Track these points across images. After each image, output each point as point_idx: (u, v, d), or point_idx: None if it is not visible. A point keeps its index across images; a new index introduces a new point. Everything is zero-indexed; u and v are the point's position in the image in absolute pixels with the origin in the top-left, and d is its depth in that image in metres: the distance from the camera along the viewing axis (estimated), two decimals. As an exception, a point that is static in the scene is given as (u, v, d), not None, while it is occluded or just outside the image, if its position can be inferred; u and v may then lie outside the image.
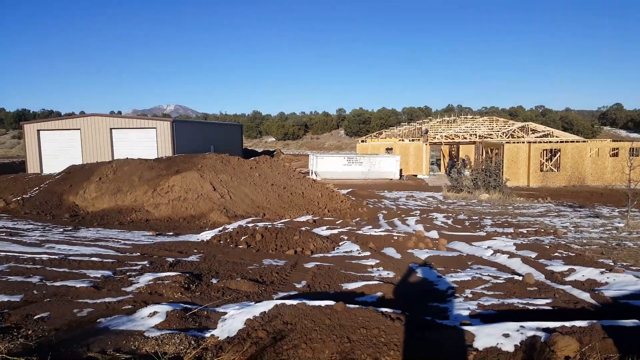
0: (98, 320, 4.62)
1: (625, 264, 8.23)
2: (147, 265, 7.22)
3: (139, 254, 8.26)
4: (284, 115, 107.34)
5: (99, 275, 6.45)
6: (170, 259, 7.71)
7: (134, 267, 7.10)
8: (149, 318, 4.62)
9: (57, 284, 5.90)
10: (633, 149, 29.23)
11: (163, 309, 4.77)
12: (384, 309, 4.31)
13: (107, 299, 5.29)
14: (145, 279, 6.26)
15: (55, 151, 36.21)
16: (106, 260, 7.54)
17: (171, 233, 11.51)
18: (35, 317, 4.65)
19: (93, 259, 7.63)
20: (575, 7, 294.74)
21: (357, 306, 4.33)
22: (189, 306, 5.01)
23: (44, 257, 7.54)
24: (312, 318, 4.16)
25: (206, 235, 10.25)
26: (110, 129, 35.99)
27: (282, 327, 4.11)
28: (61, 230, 11.59)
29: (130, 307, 5.08)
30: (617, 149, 31.35)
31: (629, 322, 4.01)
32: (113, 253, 8.28)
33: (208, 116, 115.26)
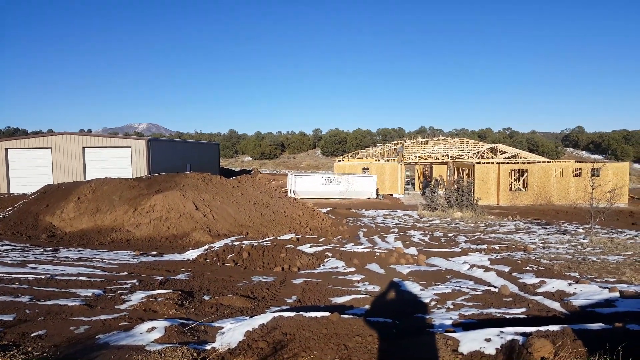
0: (97, 337, 4.76)
1: (590, 276, 8.81)
2: (137, 284, 7.34)
3: (126, 273, 8.35)
4: (260, 134, 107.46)
5: (89, 294, 6.54)
6: (159, 278, 7.84)
7: (124, 286, 7.21)
8: (148, 333, 4.79)
9: (49, 302, 5.98)
10: (594, 169, 30.66)
11: (161, 324, 4.94)
12: (376, 319, 4.63)
13: (102, 317, 5.42)
14: (138, 296, 6.40)
15: (24, 170, 35.31)
16: (94, 280, 7.62)
17: (155, 252, 11.55)
18: (32, 335, 4.76)
19: (81, 278, 7.70)
20: (541, 34, 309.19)
21: (351, 316, 4.64)
22: (185, 321, 5.20)
23: (30, 277, 7.57)
24: (309, 328, 4.44)
25: (192, 254, 10.38)
26: (83, 147, 35.40)
27: (282, 337, 4.37)
28: (41, 250, 11.48)
29: (126, 323, 5.22)
30: (580, 169, 32.84)
31: (596, 326, 4.47)
32: (100, 272, 8.34)
33: (182, 135, 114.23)
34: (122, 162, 35.04)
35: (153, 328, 4.85)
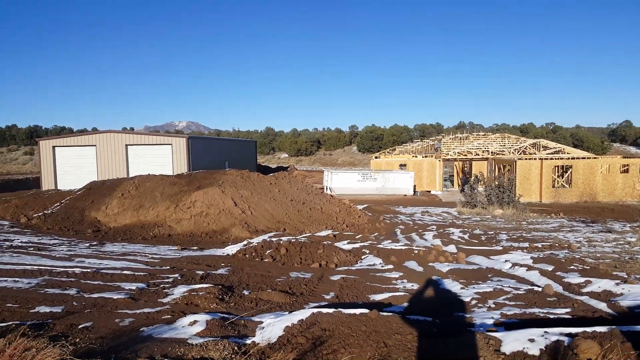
0: (140, 329, 4.91)
1: (638, 276, 8.40)
2: (179, 278, 7.54)
3: (168, 267, 8.59)
4: (296, 131, 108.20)
5: (133, 288, 6.77)
6: (200, 272, 8.03)
7: (166, 280, 7.43)
8: (190, 327, 4.91)
9: (95, 295, 6.22)
10: (644, 165, 29.23)
11: (202, 318, 5.05)
12: (415, 317, 4.59)
13: (145, 310, 5.58)
14: (180, 290, 6.57)
15: (70, 167, 36.94)
16: (138, 274, 7.88)
17: (195, 247, 11.85)
18: (80, 327, 4.93)
19: (125, 272, 7.99)
20: (586, 26, 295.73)
21: (390, 314, 4.62)
22: (226, 315, 5.29)
23: (77, 270, 7.89)
24: (348, 325, 4.45)
25: (231, 249, 10.59)
26: (126, 145, 36.72)
27: (321, 333, 4.40)
28: (87, 245, 11.96)
29: (169, 316, 5.37)
30: (628, 165, 31.31)
31: (646, 328, 4.26)
32: (143, 267, 8.62)
33: (221, 132, 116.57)
34: (163, 159, 36.07)
35: (195, 321, 4.95)
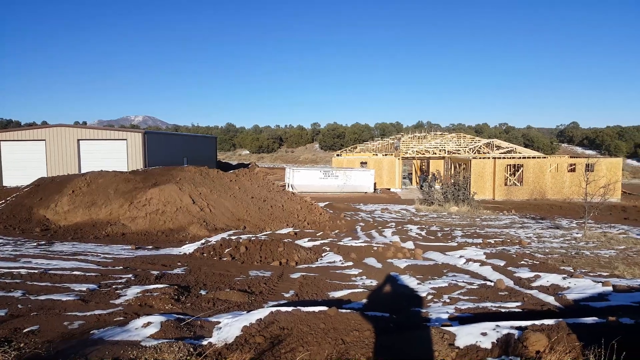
0: (91, 332, 4.72)
1: (584, 270, 8.88)
2: (132, 279, 7.30)
3: (121, 267, 8.31)
4: (258, 128, 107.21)
5: (84, 289, 6.50)
6: (155, 272, 7.80)
7: (119, 281, 7.17)
8: (144, 328, 4.75)
9: (42, 297, 5.92)
10: (589, 164, 30.82)
11: (157, 319, 4.91)
12: (373, 313, 4.63)
13: (96, 312, 5.37)
14: (133, 291, 6.36)
15: (17, 163, 35.04)
16: (89, 274, 7.57)
17: (151, 247, 11.53)
18: (25, 331, 4.69)
19: (75, 272, 7.65)
20: (535, 31, 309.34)
21: (348, 311, 4.64)
22: (181, 316, 5.17)
23: (22, 271, 7.50)
24: (307, 323, 4.44)
25: (188, 248, 10.37)
26: (78, 140, 35.20)
27: (279, 332, 4.36)
28: (34, 244, 11.42)
29: (122, 318, 5.18)
30: (574, 164, 32.99)
31: (590, 320, 4.49)
32: (94, 267, 8.30)
33: (179, 128, 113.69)
34: (117, 155, 34.84)
35: (149, 323, 4.81)
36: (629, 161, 69.38)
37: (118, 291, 6.42)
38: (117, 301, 5.93)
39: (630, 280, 7.65)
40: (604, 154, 71.14)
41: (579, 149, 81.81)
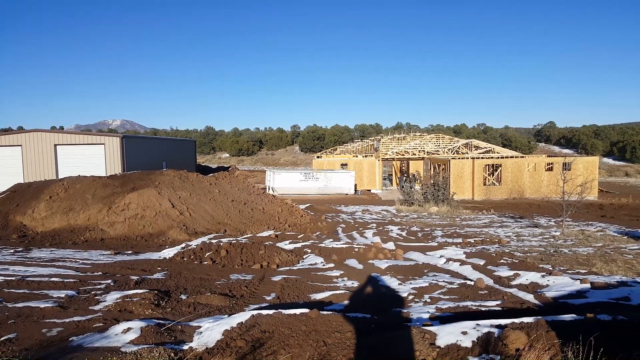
0: (70, 339, 4.64)
1: (562, 268, 9.06)
2: (112, 284, 7.19)
3: (100, 273, 8.17)
4: (238, 131, 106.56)
5: (62, 295, 6.37)
6: (135, 277, 7.70)
7: (98, 286, 7.06)
8: (124, 334, 4.69)
9: (19, 305, 5.79)
10: (566, 163, 31.50)
11: (137, 325, 4.85)
12: (354, 314, 4.65)
13: (75, 318, 5.28)
14: (113, 297, 6.27)
15: (-8, 169, 34.19)
16: (67, 280, 7.43)
17: (130, 252, 11.35)
18: (2, 339, 4.59)
19: (53, 279, 7.49)
20: (512, 33, 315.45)
21: (330, 312, 4.65)
22: (162, 321, 5.11)
23: (-1, 279, 7.33)
24: (288, 325, 4.43)
25: (168, 252, 10.23)
26: (55, 145, 34.49)
27: (261, 335, 4.35)
28: (11, 251, 11.14)
29: (101, 324, 5.10)
30: (552, 163, 33.68)
31: (568, 317, 4.59)
32: (73, 273, 8.14)
33: (158, 132, 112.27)
34: (95, 159, 34.28)
35: (128, 329, 4.75)
36: (605, 159, 71.18)
37: (97, 297, 6.32)
38: (97, 307, 5.84)
39: (607, 277, 7.84)
40: (581, 153, 72.87)
41: (556, 148, 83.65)
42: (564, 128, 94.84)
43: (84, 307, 5.79)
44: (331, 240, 12.54)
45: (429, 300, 6.37)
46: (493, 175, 34.21)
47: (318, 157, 43.54)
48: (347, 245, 10.76)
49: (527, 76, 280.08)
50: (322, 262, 9.20)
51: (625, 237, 14.52)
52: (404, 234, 14.78)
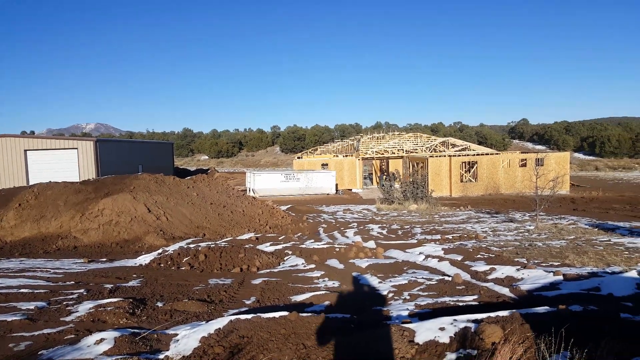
0: (39, 353, 4.47)
1: (536, 261, 9.22)
2: (85, 293, 6.98)
3: (73, 282, 7.93)
4: (216, 132, 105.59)
5: (32, 307, 6.15)
6: (109, 285, 7.49)
7: (70, 296, 6.84)
8: (96, 345, 4.55)
9: (-16, 320, 5.58)
10: (538, 159, 32.21)
11: (110, 335, 4.71)
12: (334, 315, 4.62)
13: (45, 331, 5.09)
14: (85, 307, 6.08)
15: (-42, 176, 33.06)
16: (37, 291, 7.18)
17: (105, 259, 11.08)
18: (-34, 357, 4.43)
19: (22, 290, 7.23)
20: (486, 32, 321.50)
21: (309, 314, 4.60)
22: (137, 330, 4.98)
23: (-36, 292, 7.04)
24: (267, 329, 4.37)
25: (144, 259, 10.02)
26: (25, 150, 33.52)
27: (239, 340, 4.27)
28: (-23, 263, 10.74)
29: (73, 336, 4.94)
30: (525, 159, 34.39)
31: (542, 309, 4.67)
32: (44, 283, 7.88)
33: (134, 135, 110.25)
34: (68, 165, 33.48)
35: (102, 340, 4.60)
36: (576, 154, 73.12)
37: (69, 307, 6.11)
38: (68, 318, 5.65)
39: (579, 268, 8.00)
40: (553, 149, 74.66)
41: (530, 145, 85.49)
42: (536, 125, 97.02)
43: (55, 319, 5.60)
44: (312, 240, 12.49)
45: (408, 297, 6.39)
46: (469, 172, 34.73)
47: (299, 157, 43.45)
48: (329, 246, 10.74)
49: (501, 74, 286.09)
50: (303, 263, 9.14)
51: (596, 229, 14.88)
52: (384, 232, 14.85)
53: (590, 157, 71.06)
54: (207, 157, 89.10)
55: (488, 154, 36.51)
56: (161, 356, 4.30)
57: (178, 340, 4.63)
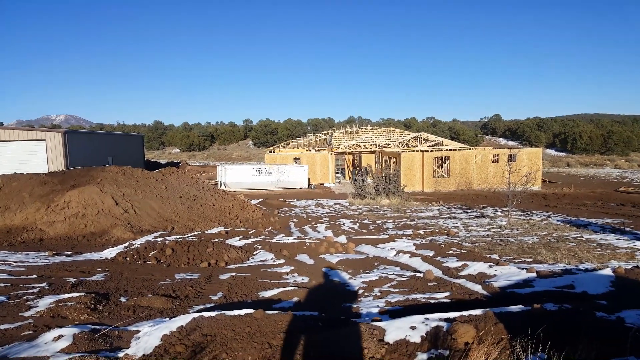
0: (-7, 350, 4.26)
1: (509, 257, 9.31)
2: (46, 287, 6.71)
3: (35, 275, 7.63)
4: (188, 125, 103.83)
5: (-10, 302, 5.87)
6: (72, 280, 7.22)
7: (32, 290, 6.56)
8: (54, 342, 4.36)
9: (-63, 316, 5.28)
10: (511, 155, 32.78)
11: (69, 331, 4.52)
12: (301, 313, 4.51)
13: (2, 326, 4.88)
14: (46, 302, 5.84)
15: None
16: (-3, 285, 6.86)
17: (70, 252, 10.70)
18: None
19: (-20, 285, 6.89)
20: (461, 28, 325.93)
21: (276, 312, 4.48)
22: (97, 327, 4.80)
23: None
24: (232, 328, 4.23)
25: (110, 252, 9.70)
26: (-10, 141, 32.21)
27: (202, 339, 4.12)
28: None
29: (31, 332, 4.74)
30: (498, 155, 34.99)
31: (515, 308, 4.64)
32: (5, 277, 7.55)
33: (104, 127, 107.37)
34: (36, 156, 32.38)
35: (60, 336, 4.41)
36: (548, 151, 74.86)
37: (29, 302, 5.85)
38: (27, 313, 5.40)
39: (552, 265, 8.09)
40: (525, 145, 76.24)
41: (502, 140, 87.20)
42: (509, 121, 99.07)
43: (13, 314, 5.35)
44: (283, 235, 12.35)
45: (378, 294, 6.33)
46: (442, 168, 35.12)
47: (271, 151, 43.11)
48: (299, 240, 10.62)
49: (474, 70, 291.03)
50: (272, 258, 9.00)
51: (568, 225, 15.17)
52: (356, 227, 14.82)
53: (562, 154, 72.80)
54: (178, 150, 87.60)
55: (461, 150, 36.97)
56: (121, 354, 4.15)
57: (139, 337, 4.46)
